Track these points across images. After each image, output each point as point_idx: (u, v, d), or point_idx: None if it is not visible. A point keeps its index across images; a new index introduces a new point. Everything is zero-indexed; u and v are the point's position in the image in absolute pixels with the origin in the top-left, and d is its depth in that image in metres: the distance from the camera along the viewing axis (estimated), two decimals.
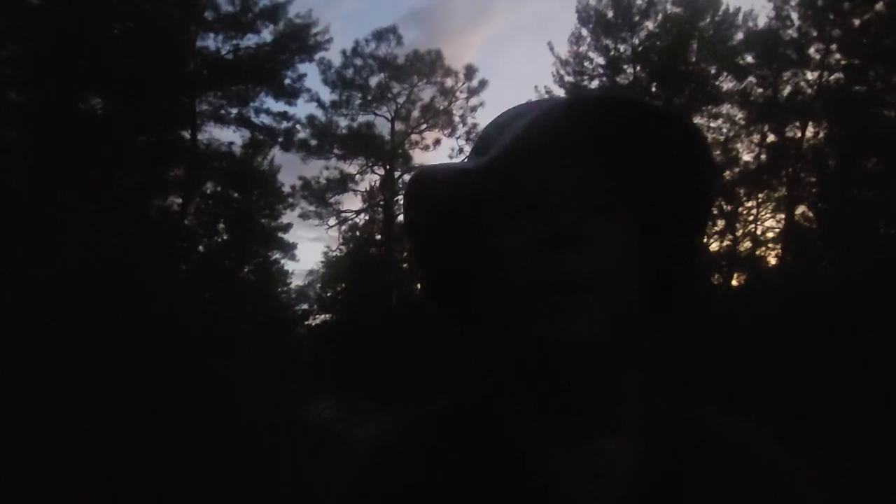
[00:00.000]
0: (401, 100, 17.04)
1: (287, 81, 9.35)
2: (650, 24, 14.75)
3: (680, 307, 0.53)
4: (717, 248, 14.42)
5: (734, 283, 14.64)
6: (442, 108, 17.01)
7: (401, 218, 19.76)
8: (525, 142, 0.46)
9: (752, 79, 13.64)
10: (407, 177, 18.05)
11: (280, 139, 10.29)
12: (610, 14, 14.40)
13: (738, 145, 14.77)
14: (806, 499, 0.52)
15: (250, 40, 8.83)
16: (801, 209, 13.10)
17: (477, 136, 0.59)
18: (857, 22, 11.88)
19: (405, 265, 21.62)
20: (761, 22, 13.57)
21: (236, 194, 13.04)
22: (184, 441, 6.56)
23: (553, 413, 0.51)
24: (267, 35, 9.01)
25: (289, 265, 17.58)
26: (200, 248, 13.12)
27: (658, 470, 0.51)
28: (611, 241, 0.48)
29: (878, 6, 10.86)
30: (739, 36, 13.99)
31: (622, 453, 0.51)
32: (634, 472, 0.50)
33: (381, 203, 18.38)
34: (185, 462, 6.26)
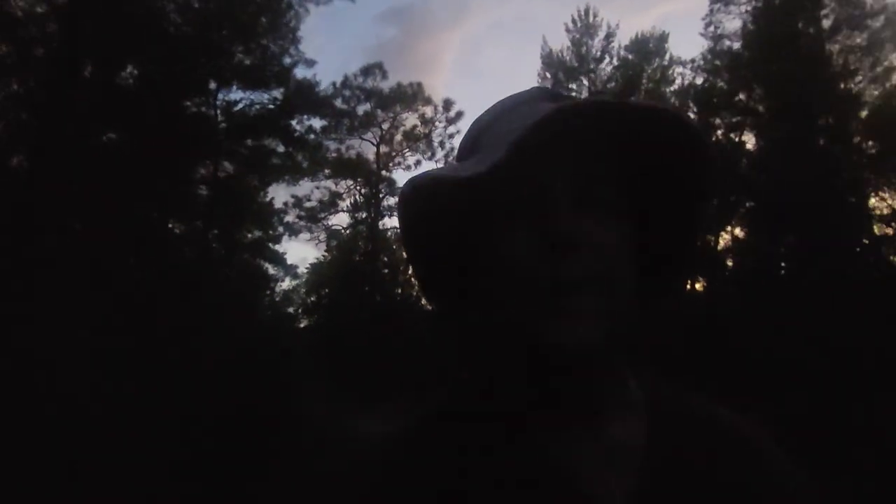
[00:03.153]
0: (385, 126, 18.98)
1: (296, 133, 11.19)
2: (605, 68, 16.85)
3: (671, 296, 0.56)
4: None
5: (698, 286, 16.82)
6: (422, 134, 18.97)
7: (383, 226, 21.45)
8: (525, 147, 0.46)
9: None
10: (391, 198, 19.87)
11: (287, 177, 12.08)
12: (570, 59, 16.44)
13: None
14: (792, 476, 0.55)
15: (263, 96, 10.68)
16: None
17: (464, 136, 0.61)
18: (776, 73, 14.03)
19: (386, 270, 23.31)
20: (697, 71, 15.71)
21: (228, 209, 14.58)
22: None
23: (557, 402, 0.52)
24: (278, 94, 10.82)
25: (284, 278, 19.04)
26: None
27: (666, 446, 0.53)
28: (610, 242, 0.49)
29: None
30: (680, 81, 16.17)
31: (630, 433, 0.53)
32: (644, 450, 0.52)
33: (367, 218, 20.18)
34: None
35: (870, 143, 10.43)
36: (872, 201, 12.33)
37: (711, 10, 10.29)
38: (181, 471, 6.41)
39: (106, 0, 8.89)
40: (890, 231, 12.33)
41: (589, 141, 0.50)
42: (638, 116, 0.49)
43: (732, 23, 10.12)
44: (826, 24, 9.31)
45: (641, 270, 0.53)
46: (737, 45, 10.44)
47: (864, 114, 10.19)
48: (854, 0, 9.20)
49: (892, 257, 11.94)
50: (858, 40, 9.15)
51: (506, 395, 0.55)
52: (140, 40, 9.43)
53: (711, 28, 10.52)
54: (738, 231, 14.95)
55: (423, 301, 22.50)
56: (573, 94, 17.20)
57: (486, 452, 0.51)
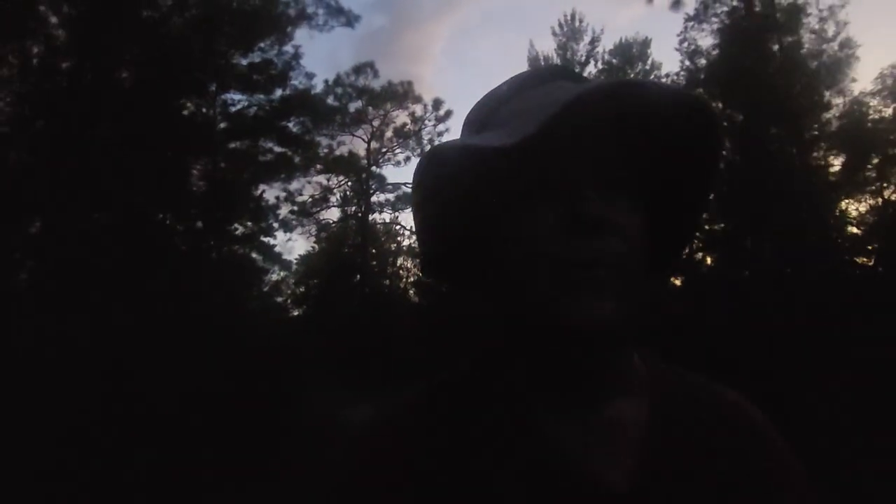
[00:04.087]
0: (376, 123, 19.49)
1: (292, 135, 11.71)
2: (591, 71, 17.40)
3: (673, 271, 1.12)
4: None
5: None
6: (412, 132, 19.51)
7: (373, 221, 21.94)
8: (560, 123, 0.46)
9: None
10: (381, 195, 20.34)
11: (282, 175, 12.60)
12: (557, 62, 16.97)
13: None
14: (788, 455, 0.56)
15: (260, 98, 11.21)
16: None
17: (473, 110, 0.60)
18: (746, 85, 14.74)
19: (374, 262, 23.81)
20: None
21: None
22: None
23: (565, 382, 0.52)
24: (275, 97, 11.31)
25: (276, 270, 19.46)
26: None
27: (668, 425, 0.53)
28: (631, 225, 0.50)
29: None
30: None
31: (632, 415, 0.53)
32: (646, 431, 0.52)
33: (357, 213, 20.69)
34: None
35: (827, 153, 11.17)
36: (843, 205, 13.14)
37: (685, 28, 10.93)
38: (181, 459, 6.43)
39: (112, 5, 9.29)
40: (859, 232, 13.13)
41: (615, 123, 0.50)
42: (661, 99, 0.49)
43: (706, 40, 10.76)
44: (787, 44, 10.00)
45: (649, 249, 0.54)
46: (713, 55, 11.06)
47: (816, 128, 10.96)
48: (797, 43, 9.96)
49: (858, 258, 12.73)
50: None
51: (511, 373, 0.54)
52: (144, 45, 9.84)
53: (686, 44, 11.17)
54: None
55: (412, 292, 23.09)
56: None
57: (487, 431, 0.51)
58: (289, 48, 11.03)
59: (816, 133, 12.83)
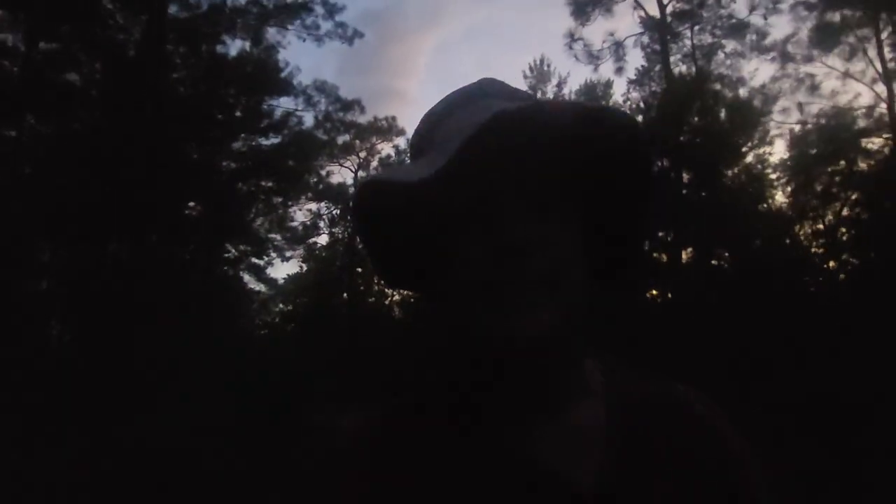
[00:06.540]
0: (363, 154, 21.15)
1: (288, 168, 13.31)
2: None
3: (625, 285, 0.82)
4: None
5: None
6: (396, 163, 21.12)
7: (360, 245, 23.34)
8: (470, 154, 0.47)
9: None
10: None
11: (278, 208, 14.12)
12: None
13: None
14: (744, 455, 0.59)
15: (263, 141, 12.83)
16: None
17: (414, 133, 0.62)
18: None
19: (360, 281, 25.08)
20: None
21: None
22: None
23: (520, 390, 0.54)
24: (275, 141, 12.90)
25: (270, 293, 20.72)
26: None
27: (624, 426, 0.55)
28: (560, 243, 0.51)
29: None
30: None
31: (589, 417, 0.55)
32: (605, 435, 0.54)
33: (344, 238, 22.20)
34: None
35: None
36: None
37: (628, 90, 12.66)
38: (181, 464, 6.52)
39: (136, 69, 10.76)
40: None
41: (534, 144, 0.51)
42: (579, 117, 0.50)
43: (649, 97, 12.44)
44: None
45: (598, 269, 0.56)
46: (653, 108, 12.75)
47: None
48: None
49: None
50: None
51: (464, 388, 0.56)
52: (160, 99, 11.32)
53: (629, 103, 12.90)
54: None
55: (396, 309, 24.31)
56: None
57: (450, 441, 0.53)
58: (294, 118, 12.64)
59: (760, 167, 14.64)
